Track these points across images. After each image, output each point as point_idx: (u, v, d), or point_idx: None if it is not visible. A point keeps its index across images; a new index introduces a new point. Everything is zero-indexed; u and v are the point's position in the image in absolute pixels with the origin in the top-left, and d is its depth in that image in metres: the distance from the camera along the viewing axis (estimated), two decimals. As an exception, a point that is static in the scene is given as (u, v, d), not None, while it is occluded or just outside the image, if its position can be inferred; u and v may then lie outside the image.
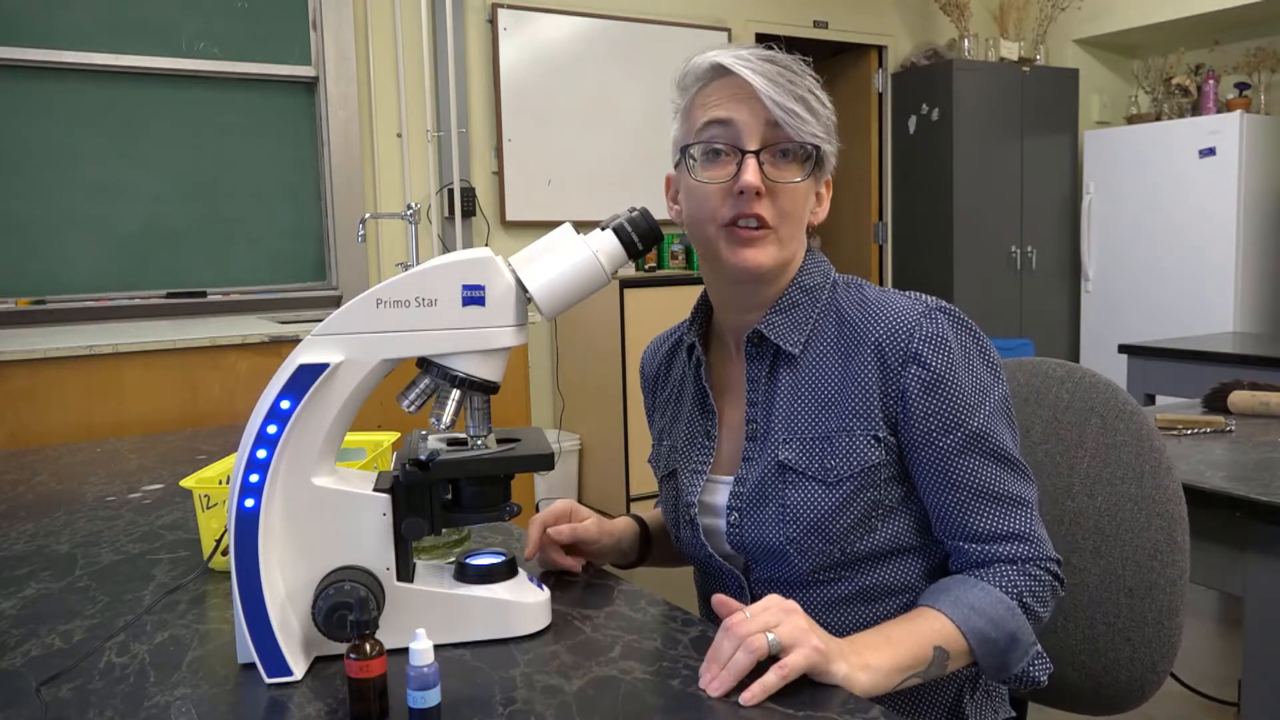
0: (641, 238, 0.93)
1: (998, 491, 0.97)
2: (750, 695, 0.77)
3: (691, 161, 1.01)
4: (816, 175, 1.02)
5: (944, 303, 1.00)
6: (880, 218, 5.46)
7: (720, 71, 0.99)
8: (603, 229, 0.93)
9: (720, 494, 1.06)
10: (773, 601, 0.84)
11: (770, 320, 1.03)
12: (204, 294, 3.70)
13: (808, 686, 0.80)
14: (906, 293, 1.02)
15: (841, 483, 0.97)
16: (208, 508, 1.12)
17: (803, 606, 0.86)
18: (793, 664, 0.79)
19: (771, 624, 0.81)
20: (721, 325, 1.11)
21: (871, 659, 0.86)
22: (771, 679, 0.78)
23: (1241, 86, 4.94)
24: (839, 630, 0.92)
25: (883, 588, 1.00)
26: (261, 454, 0.84)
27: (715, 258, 1.02)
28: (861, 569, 0.99)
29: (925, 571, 1.02)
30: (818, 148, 1.00)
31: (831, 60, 5.49)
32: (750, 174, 0.96)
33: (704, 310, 1.13)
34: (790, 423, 1.01)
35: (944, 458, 0.96)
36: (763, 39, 5.00)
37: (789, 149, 0.98)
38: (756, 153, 0.97)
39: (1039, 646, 0.97)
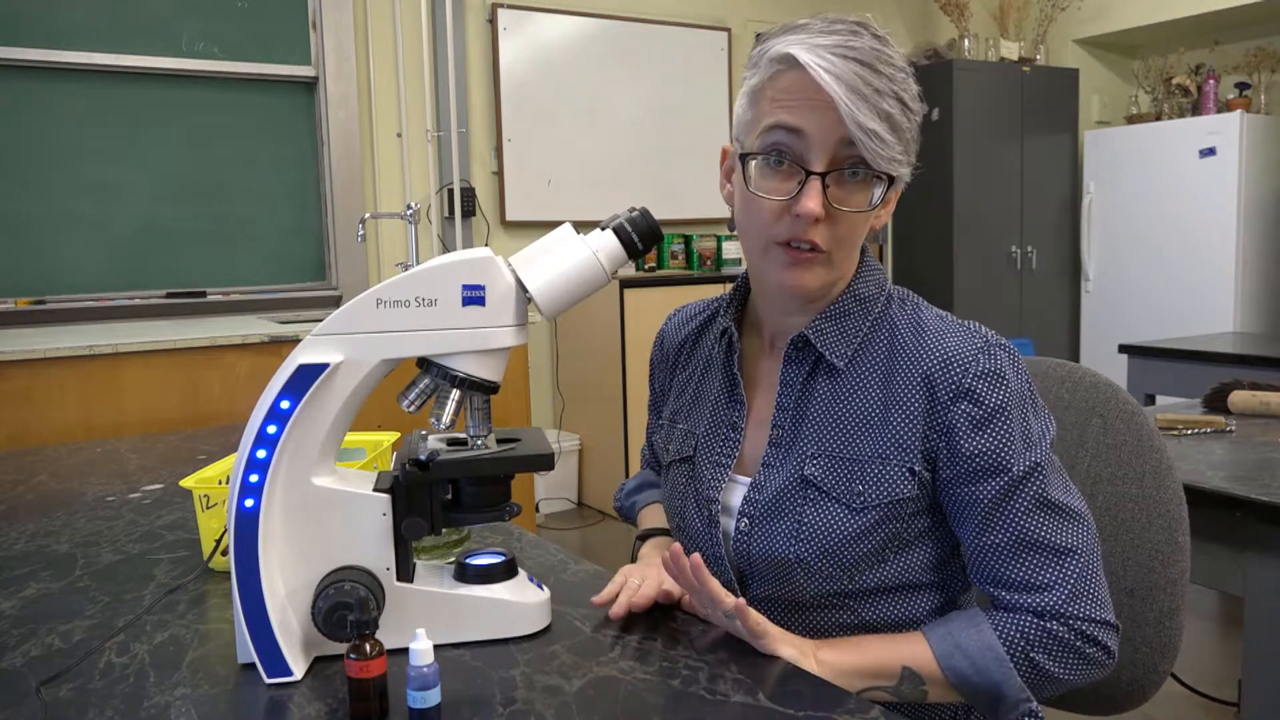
0: (641, 238, 0.93)
1: (1038, 540, 0.91)
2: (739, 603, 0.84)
3: (751, 164, 0.93)
4: (885, 196, 0.94)
5: (1002, 338, 0.95)
6: (880, 218, 5.46)
7: (795, 63, 0.88)
8: (603, 229, 0.93)
9: (735, 495, 1.01)
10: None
11: (819, 327, 0.97)
12: (204, 294, 3.70)
13: (808, 686, 0.80)
14: (964, 322, 0.96)
15: (867, 510, 0.92)
16: (208, 508, 1.12)
17: (798, 631, 0.90)
18: (754, 616, 0.85)
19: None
20: (760, 318, 1.05)
21: (829, 656, 0.89)
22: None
23: (1241, 86, 4.94)
24: None
25: (884, 622, 0.96)
26: (261, 454, 0.84)
27: (761, 271, 0.97)
28: (865, 600, 0.96)
29: (931, 609, 0.98)
30: (891, 175, 0.91)
31: (831, 60, 5.49)
32: (812, 201, 0.89)
33: (743, 292, 1.08)
34: (821, 437, 0.96)
35: (984, 501, 0.91)
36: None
37: (859, 171, 0.91)
38: (823, 175, 0.89)
39: (1034, 704, 0.91)
